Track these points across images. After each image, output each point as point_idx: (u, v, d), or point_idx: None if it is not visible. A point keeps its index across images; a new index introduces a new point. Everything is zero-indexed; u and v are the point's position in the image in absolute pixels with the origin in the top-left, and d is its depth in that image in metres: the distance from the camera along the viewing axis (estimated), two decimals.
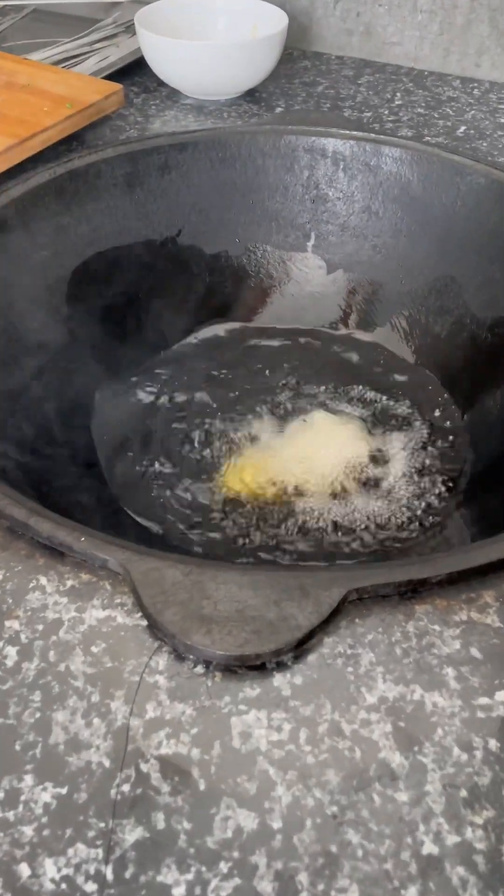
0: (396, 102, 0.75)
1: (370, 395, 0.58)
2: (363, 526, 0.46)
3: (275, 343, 0.64)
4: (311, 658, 0.31)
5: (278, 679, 0.30)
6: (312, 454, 0.52)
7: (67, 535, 0.34)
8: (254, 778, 0.28)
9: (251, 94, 0.77)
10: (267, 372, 0.61)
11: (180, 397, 0.58)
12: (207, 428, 0.55)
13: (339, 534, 0.45)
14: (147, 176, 0.61)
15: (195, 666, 0.31)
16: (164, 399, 0.58)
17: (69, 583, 0.34)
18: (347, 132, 0.64)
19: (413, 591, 0.33)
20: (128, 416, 0.56)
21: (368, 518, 0.47)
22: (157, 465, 0.52)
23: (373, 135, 0.64)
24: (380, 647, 0.31)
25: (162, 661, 0.31)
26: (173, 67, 0.72)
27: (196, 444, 0.53)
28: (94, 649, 0.31)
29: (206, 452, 0.53)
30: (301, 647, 0.31)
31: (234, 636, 0.30)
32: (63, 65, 0.75)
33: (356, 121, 0.71)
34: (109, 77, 0.74)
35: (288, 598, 0.32)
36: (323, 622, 0.31)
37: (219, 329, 0.65)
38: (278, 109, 0.75)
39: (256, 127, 0.64)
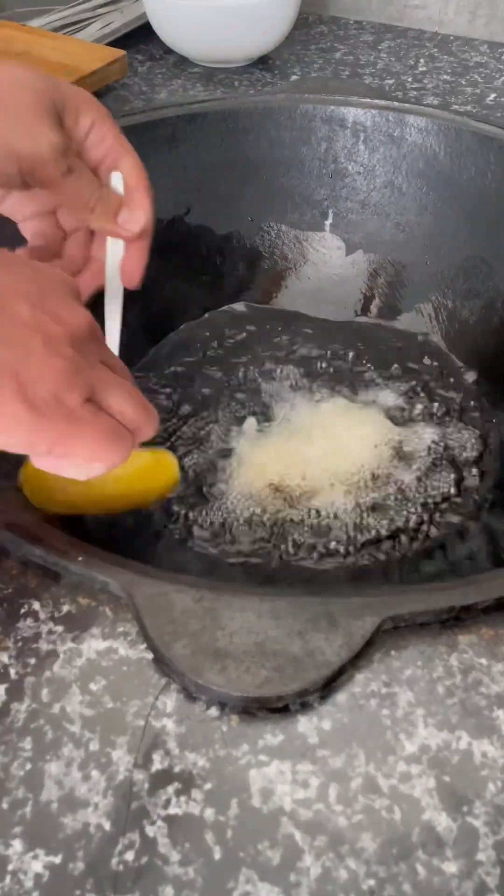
0: (420, 69, 0.70)
1: (394, 385, 0.54)
2: (385, 531, 0.42)
3: (290, 328, 0.59)
4: (341, 698, 0.27)
5: (303, 724, 0.27)
6: (332, 449, 0.48)
7: (63, 555, 0.30)
8: (277, 844, 0.24)
9: (264, 62, 0.72)
10: (281, 359, 0.56)
11: (188, 389, 0.54)
12: (218, 419, 0.51)
13: (359, 538, 0.41)
14: (152, 150, 0.57)
15: (208, 708, 0.27)
16: (170, 391, 0.54)
17: (65, 608, 0.30)
18: (368, 101, 0.59)
19: (456, 618, 0.29)
20: None
21: (391, 521, 0.43)
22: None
23: (396, 103, 0.60)
24: (419, 685, 0.27)
25: (170, 701, 0.27)
26: (181, 32, 0.68)
27: (210, 437, 0.49)
28: (92, 687, 0.27)
29: (218, 444, 0.49)
30: (329, 685, 0.27)
31: (253, 674, 0.27)
32: (64, 31, 0.70)
33: (377, 89, 0.67)
34: (113, 44, 0.69)
35: (314, 629, 0.28)
36: (354, 656, 0.27)
37: (230, 313, 0.61)
38: (293, 77, 0.71)
39: (270, 96, 0.60)
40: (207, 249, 0.61)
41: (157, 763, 0.26)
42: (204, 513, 0.44)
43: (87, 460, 0.29)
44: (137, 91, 0.67)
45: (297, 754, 0.26)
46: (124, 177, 0.39)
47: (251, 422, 0.50)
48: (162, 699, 0.27)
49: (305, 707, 0.27)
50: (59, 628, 0.29)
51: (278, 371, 0.55)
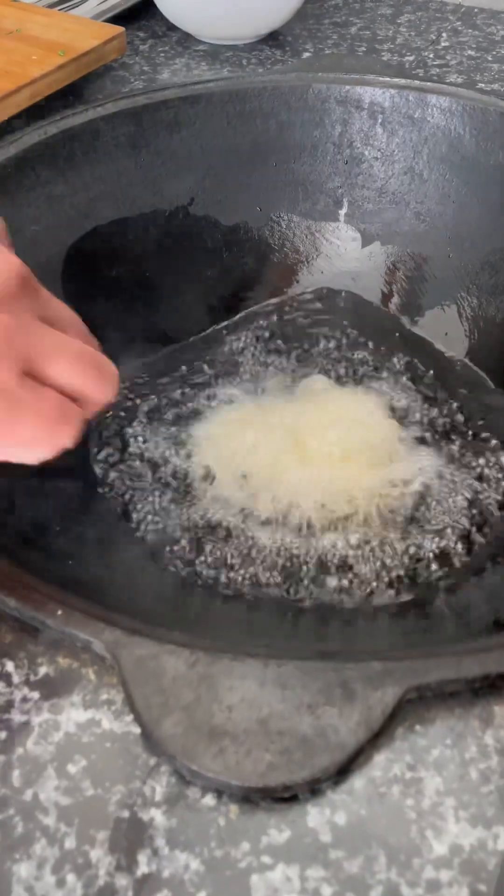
0: (443, 44, 0.66)
1: (408, 395, 0.49)
2: (391, 560, 0.38)
3: (298, 324, 0.55)
4: (359, 784, 0.23)
5: (314, 816, 0.23)
6: (330, 472, 0.44)
7: (39, 608, 0.26)
8: None
9: (274, 38, 0.68)
10: (287, 358, 0.52)
11: (192, 398, 0.50)
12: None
13: (352, 573, 0.37)
14: (154, 135, 0.53)
15: (203, 796, 0.23)
16: (166, 399, 0.50)
17: (42, 670, 0.26)
18: (387, 79, 0.55)
19: (491, 685, 0.25)
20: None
21: (396, 552, 0.38)
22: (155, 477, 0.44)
23: (417, 82, 0.55)
24: (449, 769, 0.24)
25: (160, 787, 0.23)
26: (185, 6, 0.64)
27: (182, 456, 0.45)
28: (71, 769, 0.24)
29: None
30: (344, 769, 0.23)
31: (255, 759, 0.23)
32: (59, 7, 0.66)
33: (396, 66, 0.63)
34: (112, 20, 0.65)
35: (326, 702, 0.24)
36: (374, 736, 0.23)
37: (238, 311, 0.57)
38: (306, 55, 0.67)
39: (280, 76, 0.56)
40: (212, 242, 0.57)
41: (144, 865, 0.22)
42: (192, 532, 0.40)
43: (30, 446, 0.25)
44: (138, 71, 0.63)
45: (306, 856, 0.22)
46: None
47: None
48: (150, 784, 0.23)
49: (317, 794, 0.23)
50: (35, 695, 0.26)
51: (280, 374, 0.51)
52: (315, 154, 0.57)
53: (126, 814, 0.23)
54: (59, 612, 0.26)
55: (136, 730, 0.25)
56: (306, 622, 0.36)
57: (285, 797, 0.23)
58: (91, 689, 0.26)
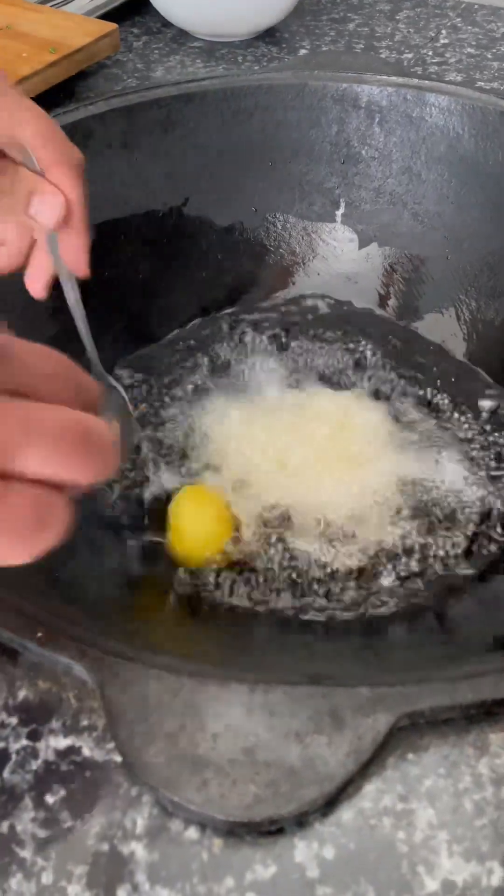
0: (442, 41, 0.65)
1: (405, 401, 0.48)
2: (391, 574, 0.37)
3: (295, 326, 0.54)
4: (347, 816, 0.23)
5: (301, 850, 0.22)
6: (328, 477, 0.43)
7: (19, 630, 0.26)
8: None
9: (270, 34, 0.67)
10: (282, 363, 0.51)
11: (184, 400, 0.49)
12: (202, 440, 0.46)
13: (345, 584, 0.36)
14: (147, 134, 0.52)
15: (186, 828, 0.22)
16: (159, 403, 0.49)
17: (22, 694, 0.25)
18: (384, 77, 0.54)
19: (486, 713, 0.24)
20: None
21: (393, 561, 0.38)
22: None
23: (415, 80, 0.54)
24: (442, 800, 0.23)
25: (141, 818, 0.23)
26: (179, 2, 0.62)
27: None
28: (49, 800, 0.23)
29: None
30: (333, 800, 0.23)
31: (240, 791, 0.22)
32: (51, 3, 0.64)
33: (395, 64, 0.61)
34: (105, 17, 0.64)
35: (315, 730, 0.23)
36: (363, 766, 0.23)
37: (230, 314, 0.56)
38: (302, 52, 0.66)
39: (276, 73, 0.55)
40: (207, 243, 0.56)
41: None
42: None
43: (6, 559, 0.20)
44: (131, 69, 0.62)
45: (293, 892, 0.21)
46: (30, 149, 0.31)
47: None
48: (131, 815, 0.23)
49: (304, 826, 0.22)
50: (13, 720, 0.25)
51: (276, 379, 0.50)
52: (311, 153, 0.56)
53: (106, 847, 0.22)
54: (39, 635, 0.25)
55: (118, 758, 0.24)
56: (294, 635, 0.35)
57: (271, 830, 0.22)
58: (71, 714, 0.25)
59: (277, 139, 0.55)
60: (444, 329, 0.54)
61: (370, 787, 0.23)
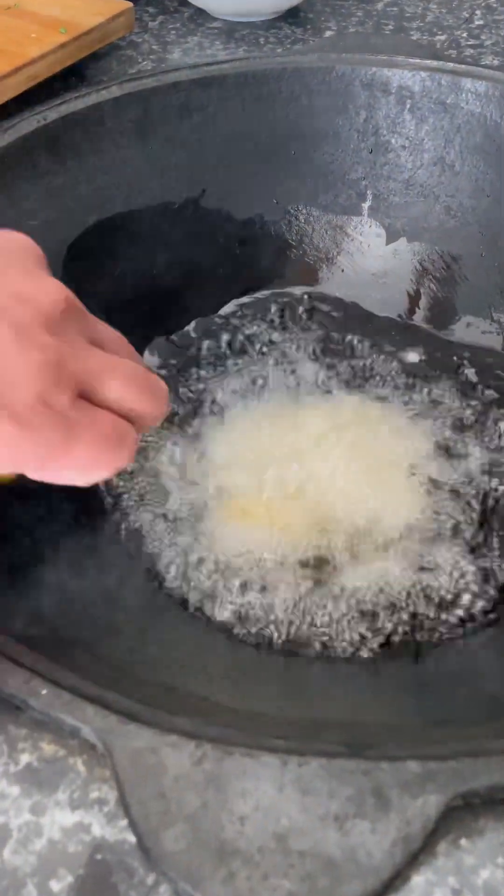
0: (476, 22, 0.63)
1: (440, 415, 0.45)
2: (424, 602, 0.34)
3: (312, 332, 0.52)
4: None
5: None
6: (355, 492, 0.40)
7: (22, 686, 0.23)
8: None
9: (294, 14, 0.65)
10: (300, 371, 0.49)
11: (203, 407, 0.46)
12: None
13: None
14: (163, 121, 0.50)
15: None
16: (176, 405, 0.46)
17: (24, 758, 0.23)
18: (417, 61, 0.52)
19: None
20: None
21: (430, 593, 0.35)
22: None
23: (450, 64, 0.52)
24: (502, 895, 0.20)
25: None
26: None
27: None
28: (54, 886, 0.20)
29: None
30: None
31: (272, 885, 0.19)
32: None
33: (427, 46, 0.59)
34: None
35: (356, 812, 0.20)
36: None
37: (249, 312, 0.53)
38: (328, 33, 0.63)
39: (300, 56, 0.53)
40: (225, 237, 0.54)
41: None
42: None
43: (88, 468, 0.25)
44: (147, 50, 0.60)
45: None
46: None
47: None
48: None
49: None
50: (15, 790, 0.22)
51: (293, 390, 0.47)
52: (337, 142, 0.54)
53: None
54: (44, 692, 0.23)
55: (132, 837, 0.21)
56: (313, 678, 0.32)
57: None
58: (80, 783, 0.22)
59: (301, 127, 0.53)
60: (477, 333, 0.51)
61: (419, 880, 0.20)
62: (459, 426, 0.44)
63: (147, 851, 0.20)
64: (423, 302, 0.53)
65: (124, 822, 0.21)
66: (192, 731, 0.22)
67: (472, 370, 0.48)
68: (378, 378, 0.48)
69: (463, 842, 0.21)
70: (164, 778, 0.21)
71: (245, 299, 0.54)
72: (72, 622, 0.29)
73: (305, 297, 0.53)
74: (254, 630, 0.34)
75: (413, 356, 0.49)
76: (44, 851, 0.21)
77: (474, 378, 0.47)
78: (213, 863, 0.20)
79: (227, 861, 0.20)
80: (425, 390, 0.46)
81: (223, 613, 0.34)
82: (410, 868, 0.20)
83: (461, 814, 0.21)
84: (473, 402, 0.45)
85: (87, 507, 0.37)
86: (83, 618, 0.30)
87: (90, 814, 0.22)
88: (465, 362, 0.48)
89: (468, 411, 0.45)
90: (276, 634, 0.33)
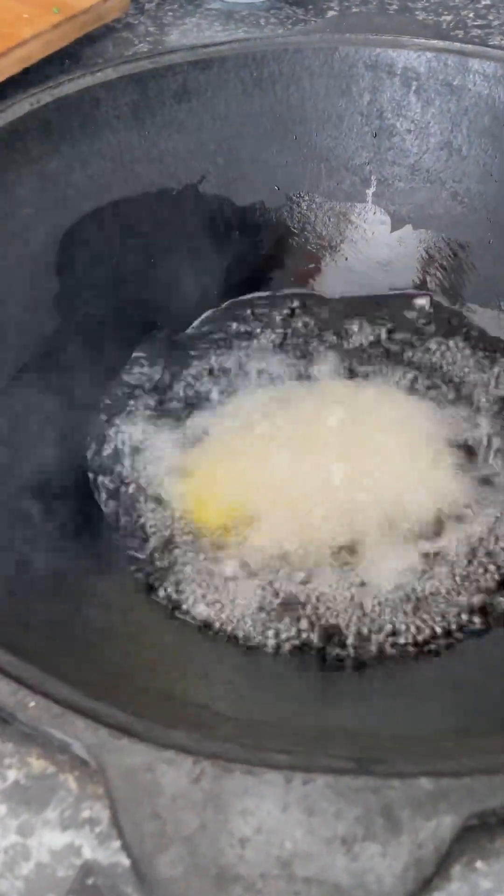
0: (483, 2, 0.62)
1: (446, 396, 0.44)
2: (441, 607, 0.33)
3: (319, 322, 0.50)
4: None
5: None
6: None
7: (8, 696, 0.22)
8: None
9: None
10: (305, 365, 0.47)
11: (204, 400, 0.45)
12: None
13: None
14: (160, 105, 0.49)
15: None
16: (181, 403, 0.45)
17: (11, 774, 0.21)
18: (423, 41, 0.50)
19: None
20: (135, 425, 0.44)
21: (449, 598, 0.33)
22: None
23: (457, 44, 0.50)
24: None
25: None
26: None
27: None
28: None
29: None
30: None
31: None
32: None
33: (433, 26, 0.58)
34: None
35: (365, 835, 0.19)
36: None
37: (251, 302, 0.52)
38: (331, 13, 0.62)
39: (302, 37, 0.52)
40: (225, 225, 0.53)
41: None
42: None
43: None
44: (143, 32, 0.58)
45: None
46: None
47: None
48: None
49: None
50: (1, 809, 0.21)
51: (298, 380, 0.46)
52: (340, 126, 0.52)
53: None
54: (32, 704, 0.21)
55: (126, 860, 0.20)
56: (318, 683, 0.31)
57: None
58: (71, 801, 0.21)
59: (303, 110, 0.52)
60: (486, 322, 0.49)
61: None
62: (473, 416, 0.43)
63: (142, 877, 0.19)
64: (429, 288, 0.51)
65: (117, 844, 0.20)
66: (190, 746, 0.21)
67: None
68: (393, 366, 0.47)
69: (479, 864, 0.20)
70: (159, 797, 0.20)
71: (248, 290, 0.53)
72: (64, 627, 0.28)
73: (309, 287, 0.52)
74: (256, 633, 0.32)
75: (425, 344, 0.48)
76: (31, 876, 0.20)
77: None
78: (212, 890, 0.18)
79: (226, 888, 0.18)
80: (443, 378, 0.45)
81: (225, 616, 0.33)
82: (423, 894, 0.19)
83: (476, 834, 0.20)
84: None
85: (80, 506, 0.36)
86: (76, 622, 0.29)
87: (81, 834, 0.20)
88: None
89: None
90: (280, 637, 0.32)
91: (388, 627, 0.31)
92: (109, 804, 0.20)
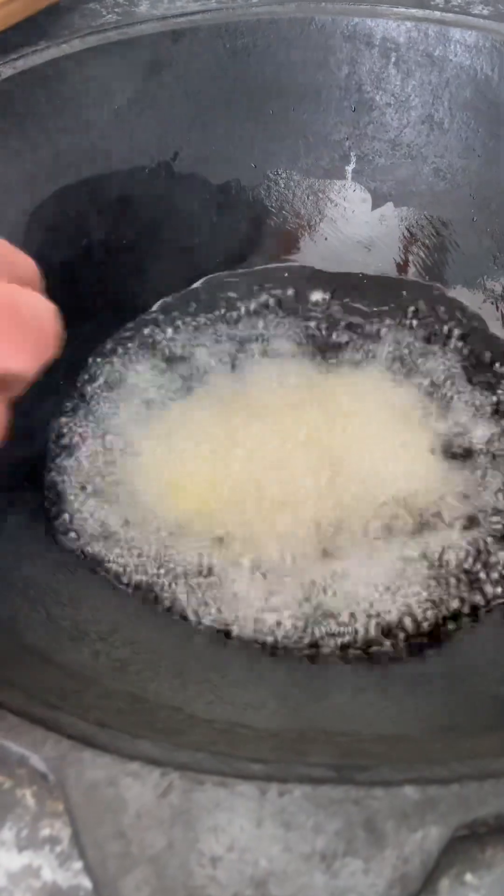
0: None
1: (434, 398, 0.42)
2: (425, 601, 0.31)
3: (296, 302, 0.49)
4: None
5: None
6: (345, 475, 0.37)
7: None
8: None
9: None
10: (279, 343, 0.46)
11: (175, 384, 0.44)
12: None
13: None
14: (129, 79, 0.47)
15: None
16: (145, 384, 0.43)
17: None
18: (402, 10, 0.48)
19: None
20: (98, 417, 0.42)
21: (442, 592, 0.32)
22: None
23: (437, 13, 0.48)
24: None
25: None
26: None
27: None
28: None
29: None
30: None
31: None
32: None
33: None
34: None
35: (346, 850, 0.18)
36: None
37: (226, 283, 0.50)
38: None
39: (278, 6, 0.49)
40: (199, 204, 0.51)
41: None
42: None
43: None
44: (111, 3, 0.56)
45: None
46: None
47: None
48: None
49: None
50: None
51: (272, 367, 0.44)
52: (318, 100, 0.50)
53: None
54: None
55: (88, 883, 0.18)
56: (300, 681, 0.29)
57: None
58: (29, 819, 0.19)
59: (279, 83, 0.50)
60: (471, 303, 0.48)
61: None
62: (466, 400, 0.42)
63: None
64: (411, 269, 0.50)
65: (79, 865, 0.19)
66: (157, 757, 0.19)
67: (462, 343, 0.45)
68: (380, 351, 0.45)
69: (468, 877, 0.18)
70: (123, 814, 0.18)
71: (223, 271, 0.51)
72: (27, 626, 0.26)
73: (287, 265, 0.50)
74: (236, 628, 0.31)
75: (406, 326, 0.47)
76: None
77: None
78: None
79: None
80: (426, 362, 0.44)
81: (203, 611, 0.32)
82: None
83: (466, 844, 0.19)
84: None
85: (35, 499, 0.34)
86: (40, 620, 0.27)
87: (40, 855, 0.19)
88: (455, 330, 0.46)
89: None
90: (261, 633, 0.31)
91: (373, 623, 0.30)
92: (70, 822, 0.18)
